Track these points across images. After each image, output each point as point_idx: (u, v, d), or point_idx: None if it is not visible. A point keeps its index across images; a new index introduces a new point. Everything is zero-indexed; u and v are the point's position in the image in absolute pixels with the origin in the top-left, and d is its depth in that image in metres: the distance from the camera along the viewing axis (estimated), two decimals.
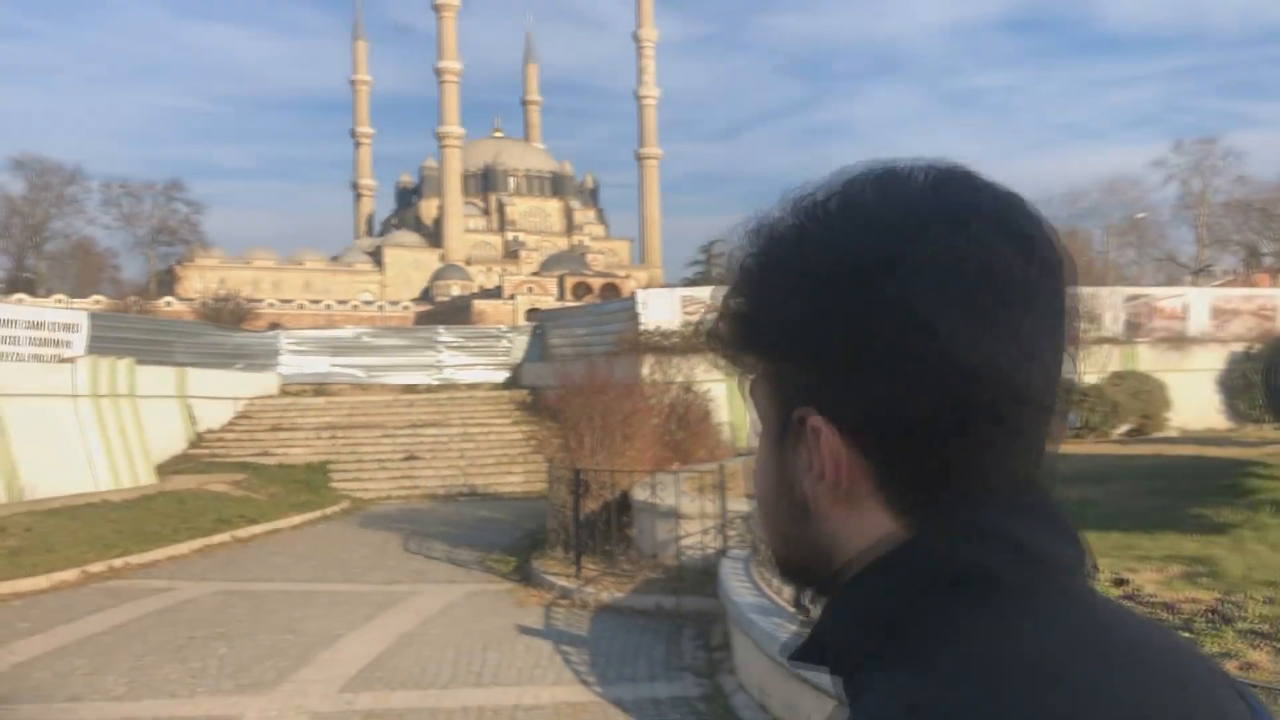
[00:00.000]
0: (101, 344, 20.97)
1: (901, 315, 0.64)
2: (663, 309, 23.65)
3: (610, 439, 13.31)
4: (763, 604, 7.87)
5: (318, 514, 18.36)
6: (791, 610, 7.53)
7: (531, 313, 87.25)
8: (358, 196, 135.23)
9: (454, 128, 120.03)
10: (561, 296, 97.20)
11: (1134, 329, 27.30)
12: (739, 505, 10.85)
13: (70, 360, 18.91)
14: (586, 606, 10.70)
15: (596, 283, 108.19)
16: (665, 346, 21.92)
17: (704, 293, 25.08)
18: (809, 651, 0.70)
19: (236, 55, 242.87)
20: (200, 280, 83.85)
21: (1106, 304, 26.43)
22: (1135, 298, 28.46)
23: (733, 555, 10.14)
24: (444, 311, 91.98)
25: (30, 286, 70.53)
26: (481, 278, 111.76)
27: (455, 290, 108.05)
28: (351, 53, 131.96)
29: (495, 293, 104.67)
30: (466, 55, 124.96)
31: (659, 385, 16.89)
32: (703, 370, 19.99)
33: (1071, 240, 55.11)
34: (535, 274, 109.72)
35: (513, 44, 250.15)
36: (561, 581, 11.43)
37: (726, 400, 18.89)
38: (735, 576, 9.16)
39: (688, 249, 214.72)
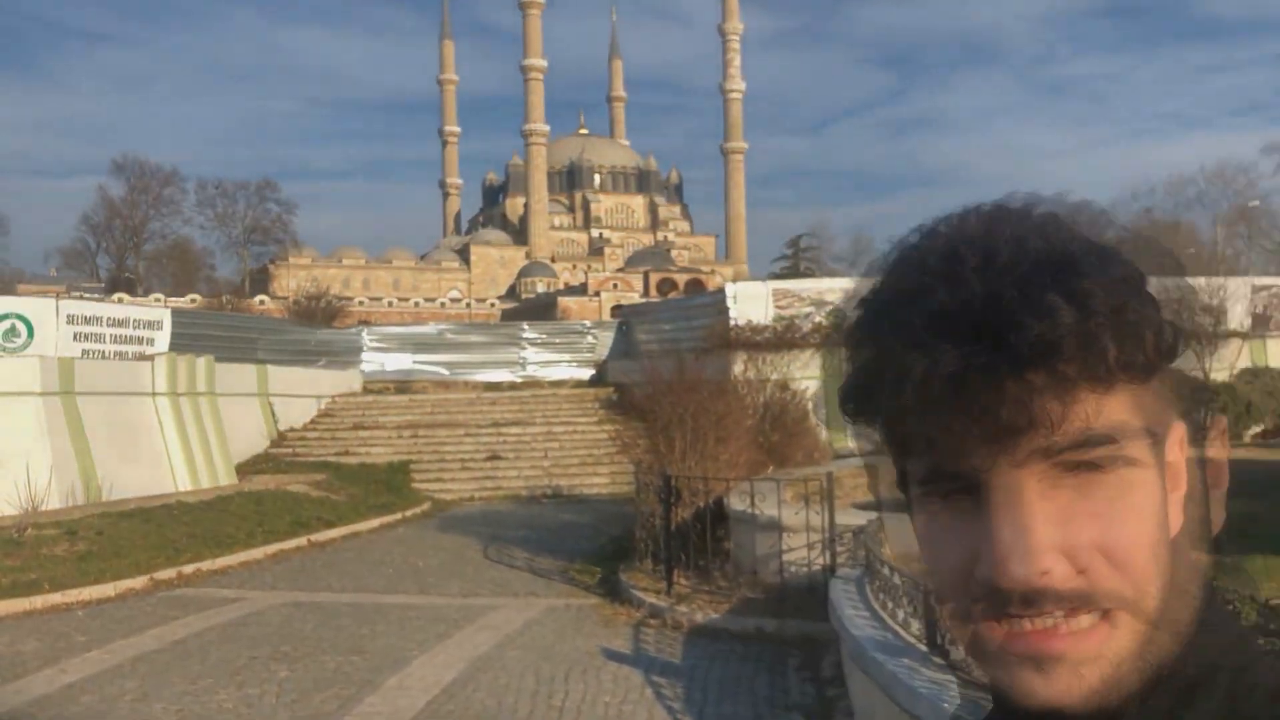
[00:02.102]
0: (184, 342, 20.72)
1: None
2: (754, 303, 22.56)
3: (702, 441, 12.31)
4: (886, 639, 6.80)
5: (398, 516, 17.73)
6: (922, 649, 6.45)
7: (616, 309, 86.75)
8: (445, 195, 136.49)
9: (539, 125, 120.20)
10: (646, 293, 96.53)
11: (1263, 322, 25.33)
12: (849, 518, 9.76)
13: (149, 358, 18.59)
14: (679, 627, 9.72)
15: (681, 278, 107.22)
16: (757, 342, 20.86)
17: (798, 286, 23.93)
18: None
19: (328, 58, 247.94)
20: (292, 279, 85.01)
21: (1233, 295, 24.52)
22: (1264, 288, 26.43)
23: (843, 575, 9.07)
24: (529, 308, 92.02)
25: (130, 286, 72.28)
26: (566, 275, 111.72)
27: (540, 287, 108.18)
28: (439, 53, 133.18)
29: (580, 289, 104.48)
30: (551, 53, 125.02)
31: (752, 383, 15.82)
32: (799, 367, 18.91)
33: (1175, 231, 52.43)
34: (620, 270, 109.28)
35: (596, 41, 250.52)
36: (651, 598, 10.47)
37: (824, 400, 17.74)
38: (849, 602, 8.09)
39: (773, 244, 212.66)
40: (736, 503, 11.00)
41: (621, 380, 25.91)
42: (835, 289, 23.28)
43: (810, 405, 16.63)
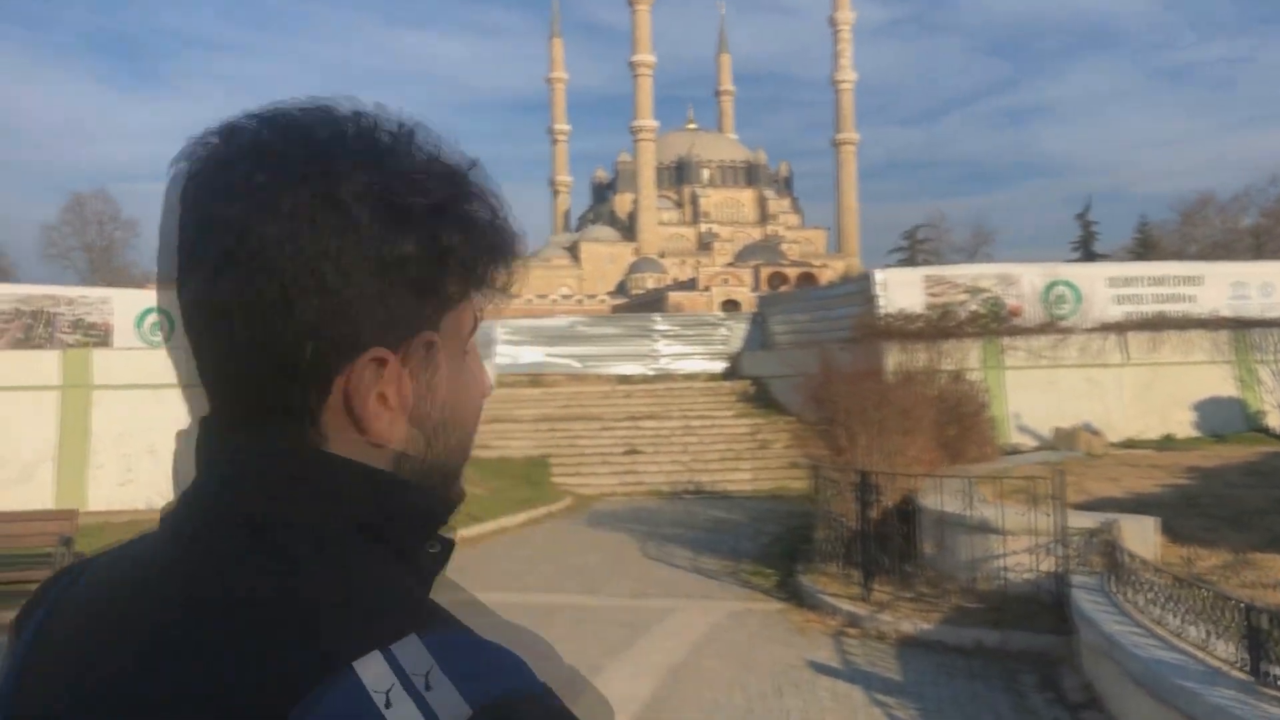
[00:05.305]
0: None
1: None
2: (904, 290, 21.37)
3: (885, 436, 11.36)
4: (1185, 662, 5.78)
5: (543, 511, 17.18)
6: (1239, 676, 5.42)
7: (728, 304, 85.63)
8: (555, 193, 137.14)
9: (648, 121, 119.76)
10: (757, 287, 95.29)
11: None
12: (1082, 520, 8.72)
13: None
14: (884, 638, 8.80)
15: (792, 272, 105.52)
16: (910, 332, 19.70)
17: (952, 272, 22.66)
18: None
19: (441, 61, 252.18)
20: None
21: None
22: None
23: (1080, 583, 8.05)
24: (639, 304, 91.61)
25: None
26: (675, 270, 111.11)
27: (650, 283, 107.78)
28: (548, 51, 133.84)
29: (689, 285, 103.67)
30: (658, 49, 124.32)
31: (923, 375, 14.75)
32: (973, 357, 17.75)
33: None
34: (729, 265, 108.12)
35: (702, 36, 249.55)
36: (846, 605, 9.56)
37: (1000, 391, 16.57)
38: (1107, 613, 7.08)
39: (885, 237, 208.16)
40: (935, 502, 10.01)
41: (759, 373, 25.00)
42: (991, 275, 21.95)
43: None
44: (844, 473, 10.57)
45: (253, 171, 0.68)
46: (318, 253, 0.67)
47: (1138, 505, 10.15)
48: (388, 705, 0.57)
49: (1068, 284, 21.56)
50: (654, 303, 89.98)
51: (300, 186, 0.68)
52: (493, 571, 12.53)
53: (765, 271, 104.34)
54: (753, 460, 20.98)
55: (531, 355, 26.93)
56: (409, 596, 0.67)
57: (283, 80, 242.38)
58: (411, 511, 0.73)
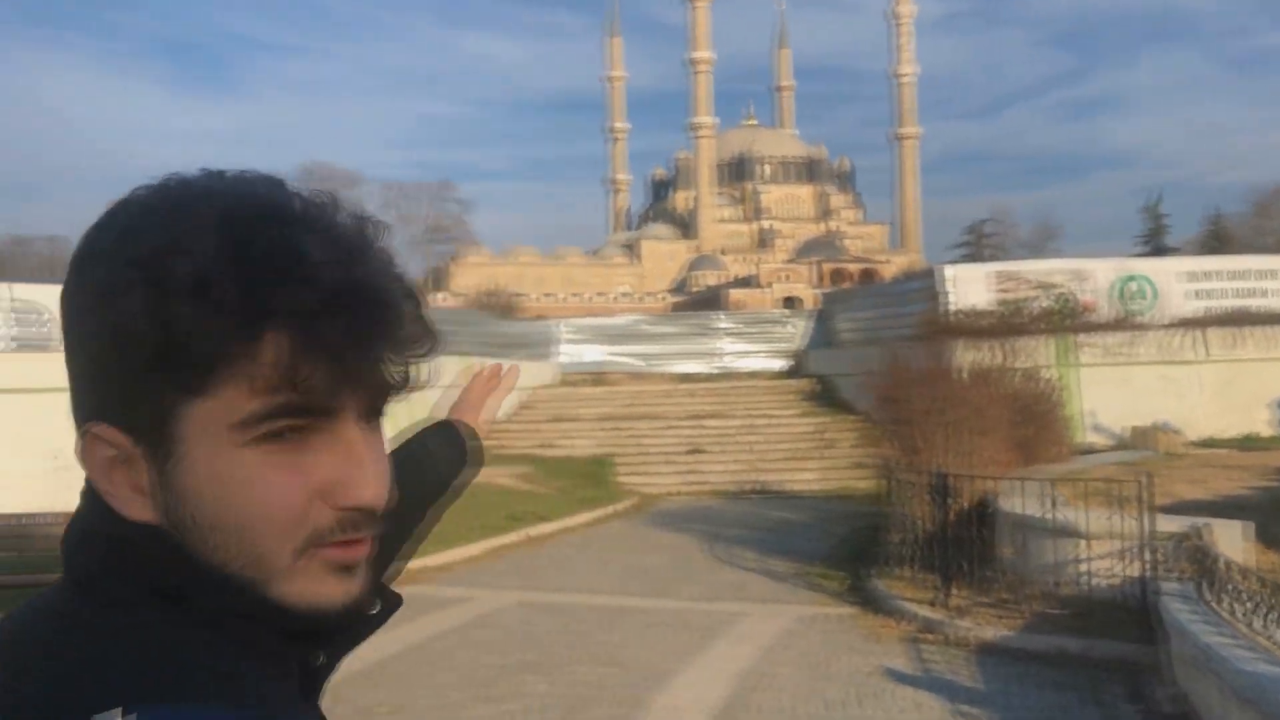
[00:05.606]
0: None
1: None
2: (972, 286, 20.97)
3: (960, 436, 11.09)
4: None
5: (608, 510, 17.12)
6: None
7: (788, 300, 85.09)
8: (615, 191, 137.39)
9: (706, 118, 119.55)
10: (819, 283, 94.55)
11: None
12: (1168, 523, 8.41)
13: None
14: (963, 645, 8.55)
15: (854, 268, 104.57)
16: (980, 329, 19.31)
17: (1023, 268, 22.19)
18: None
19: (496, 61, 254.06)
20: (469, 277, 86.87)
21: None
22: None
23: (1169, 590, 7.75)
24: (698, 302, 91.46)
25: None
26: (735, 267, 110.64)
27: (710, 280, 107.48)
28: (605, 50, 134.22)
29: (748, 281, 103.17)
30: (714, 45, 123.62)
31: (993, 372, 14.41)
32: (1045, 354, 17.35)
33: None
34: (789, 261, 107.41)
35: (755, 32, 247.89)
36: (922, 610, 9.33)
37: (1074, 389, 16.17)
38: (1194, 619, 6.80)
39: (946, 232, 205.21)
40: (1014, 504, 9.74)
41: (824, 371, 24.70)
42: (1063, 270, 21.46)
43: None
44: (919, 474, 10.33)
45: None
46: (69, 313, 0.69)
47: (1225, 508, 9.78)
48: None
49: (1143, 279, 21.04)
50: (713, 300, 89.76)
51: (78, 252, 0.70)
52: (561, 572, 12.50)
53: (826, 268, 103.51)
54: (818, 460, 20.71)
55: (594, 354, 26.94)
56: (176, 660, 0.63)
57: (341, 82, 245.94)
58: (204, 578, 0.66)
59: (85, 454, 0.68)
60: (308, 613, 0.68)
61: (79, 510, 0.70)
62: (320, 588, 0.68)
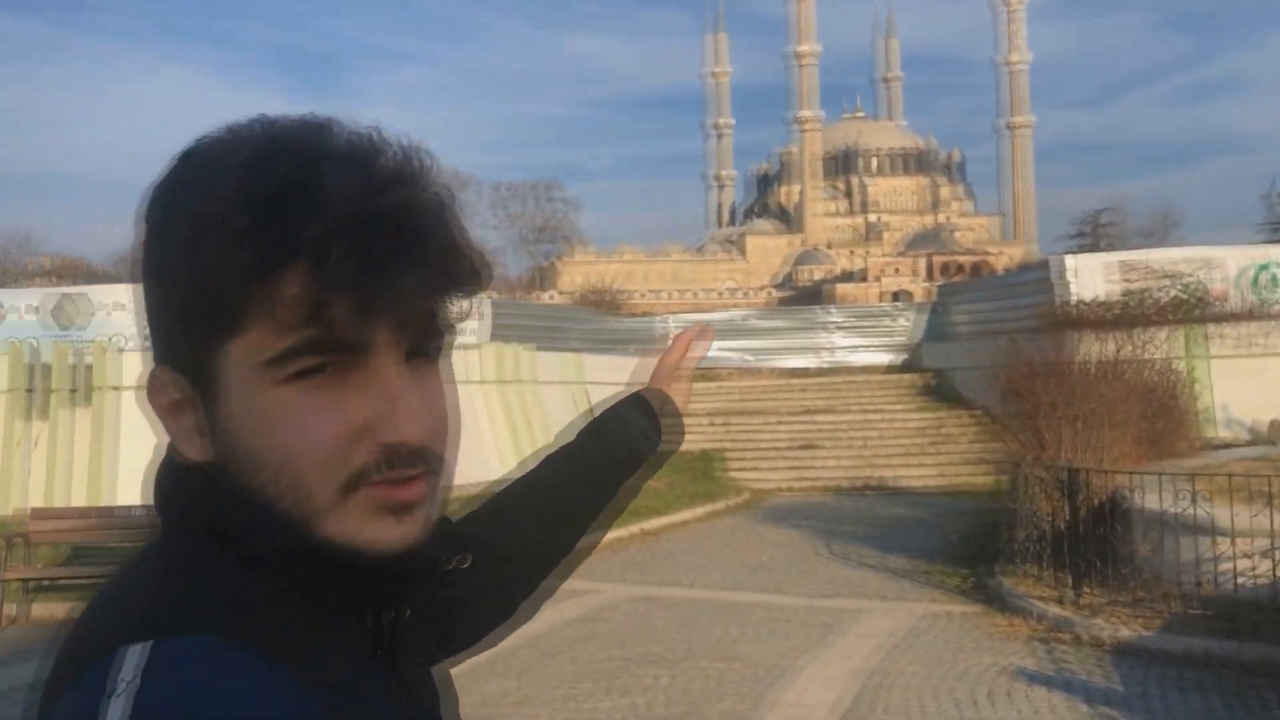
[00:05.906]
0: (501, 331, 21.11)
1: None
2: (1093, 277, 20.28)
3: (1089, 430, 10.71)
4: None
5: (721, 505, 17.08)
6: None
7: (897, 294, 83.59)
8: (719, 187, 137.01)
9: (812, 111, 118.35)
10: (929, 276, 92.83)
11: None
12: None
13: (475, 347, 18.90)
14: (1098, 645, 8.26)
15: (965, 261, 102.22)
16: (1104, 320, 18.66)
17: (1148, 257, 21.39)
18: None
19: (597, 61, 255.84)
20: (576, 274, 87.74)
21: None
22: None
23: None
24: (803, 296, 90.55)
25: None
26: (841, 261, 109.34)
27: (815, 275, 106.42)
28: (708, 46, 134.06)
29: (856, 275, 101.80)
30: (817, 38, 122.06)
31: (1122, 365, 13.90)
32: (1173, 345, 16.68)
33: None
34: (897, 254, 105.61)
35: (854, 23, 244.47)
36: (1051, 609, 9.05)
37: (1205, 381, 15.50)
38: None
39: (1058, 222, 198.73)
40: (1150, 499, 9.36)
41: (939, 365, 24.19)
42: (1190, 259, 20.60)
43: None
44: (1046, 469, 10.01)
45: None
46: (142, 266, 0.70)
47: None
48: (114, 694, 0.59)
49: (1277, 267, 20.05)
50: (818, 294, 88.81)
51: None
52: (676, 567, 12.50)
53: (936, 260, 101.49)
54: (934, 455, 20.30)
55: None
56: (210, 596, 0.64)
57: (449, 86, 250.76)
58: (253, 517, 0.67)
59: (151, 397, 0.70)
60: (358, 553, 0.67)
61: (163, 455, 0.72)
62: (369, 528, 0.66)
